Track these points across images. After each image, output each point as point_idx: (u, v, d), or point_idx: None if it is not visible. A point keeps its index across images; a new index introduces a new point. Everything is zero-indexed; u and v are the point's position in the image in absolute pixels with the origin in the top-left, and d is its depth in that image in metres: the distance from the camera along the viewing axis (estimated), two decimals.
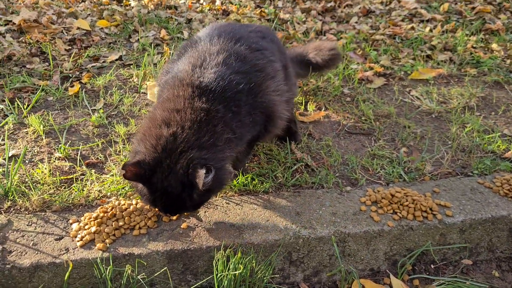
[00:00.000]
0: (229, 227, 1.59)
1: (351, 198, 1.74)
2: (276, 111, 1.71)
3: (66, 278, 1.39)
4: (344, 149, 2.04)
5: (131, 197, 1.68)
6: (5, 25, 2.86)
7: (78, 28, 2.88)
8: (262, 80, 1.66)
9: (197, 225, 1.59)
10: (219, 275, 1.44)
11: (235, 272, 1.44)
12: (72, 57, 2.59)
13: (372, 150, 2.02)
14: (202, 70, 1.57)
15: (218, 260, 1.46)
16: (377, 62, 2.83)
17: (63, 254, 1.44)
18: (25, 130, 1.99)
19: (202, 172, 1.34)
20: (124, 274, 1.42)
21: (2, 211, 1.58)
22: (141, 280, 1.46)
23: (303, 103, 2.39)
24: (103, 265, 1.42)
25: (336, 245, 1.56)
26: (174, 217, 1.60)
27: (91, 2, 3.31)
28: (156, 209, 1.55)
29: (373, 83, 2.59)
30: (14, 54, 2.54)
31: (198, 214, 1.63)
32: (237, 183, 1.78)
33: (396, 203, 1.69)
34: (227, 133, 1.50)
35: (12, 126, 2.01)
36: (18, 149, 1.87)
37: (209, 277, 1.51)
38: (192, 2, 3.53)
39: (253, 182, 1.79)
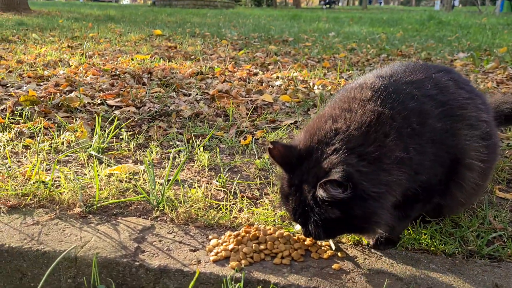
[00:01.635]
0: (395, 282, 1.20)
1: None
2: (466, 157, 1.34)
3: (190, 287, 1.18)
4: None
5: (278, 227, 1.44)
6: (202, 94, 3.18)
7: (262, 100, 3.02)
8: (459, 119, 1.34)
9: (352, 270, 1.25)
10: None
11: None
12: (249, 117, 2.67)
13: None
14: (390, 80, 1.35)
15: None
16: None
17: (194, 264, 1.25)
18: (192, 164, 2.00)
19: (336, 176, 1.07)
20: None
21: (150, 218, 1.51)
22: None
23: (504, 180, 1.90)
24: (233, 284, 1.17)
25: None
26: (300, 232, 1.29)
27: (282, 82, 3.51)
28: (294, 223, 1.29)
29: None
30: (202, 113, 2.74)
31: (355, 260, 1.29)
32: (407, 234, 1.40)
33: None
34: (399, 151, 1.20)
35: (182, 159, 2.05)
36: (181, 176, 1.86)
37: None
38: None
39: (432, 240, 1.39)
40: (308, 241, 1.35)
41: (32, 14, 10.88)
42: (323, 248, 1.33)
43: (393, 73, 1.40)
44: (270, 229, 1.38)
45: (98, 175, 1.74)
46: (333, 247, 1.34)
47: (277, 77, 3.90)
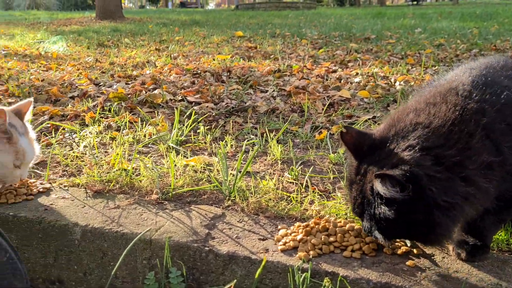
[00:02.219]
0: (476, 283, 1.10)
1: None
2: None
3: (257, 275, 1.18)
4: None
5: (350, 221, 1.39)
6: (279, 91, 3.19)
7: (340, 96, 2.95)
8: None
9: (428, 268, 1.17)
10: None
11: None
12: (325, 112, 2.62)
13: None
14: (482, 72, 1.22)
15: None
16: None
17: (261, 253, 1.25)
18: (265, 157, 2.01)
19: (397, 173, 1.00)
20: None
21: (221, 207, 1.54)
22: None
23: None
24: (299, 273, 1.15)
25: None
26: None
27: (361, 79, 3.41)
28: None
29: None
30: (277, 108, 2.74)
31: (433, 258, 1.21)
32: (498, 236, 1.28)
33: None
34: (487, 153, 1.07)
35: (256, 153, 2.07)
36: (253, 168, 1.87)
37: None
38: None
39: None
40: None
41: (125, 21, 11.68)
42: (397, 243, 1.26)
43: (486, 66, 1.27)
44: (340, 222, 1.33)
45: (175, 165, 1.81)
46: (408, 243, 1.26)
47: (357, 74, 3.80)
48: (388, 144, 1.12)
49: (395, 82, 3.39)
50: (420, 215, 1.04)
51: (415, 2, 31.22)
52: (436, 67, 4.01)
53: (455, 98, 1.14)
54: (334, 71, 3.99)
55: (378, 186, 1.04)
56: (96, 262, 1.41)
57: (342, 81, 3.52)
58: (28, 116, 1.69)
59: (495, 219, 1.19)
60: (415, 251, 1.24)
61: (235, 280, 1.22)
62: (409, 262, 1.18)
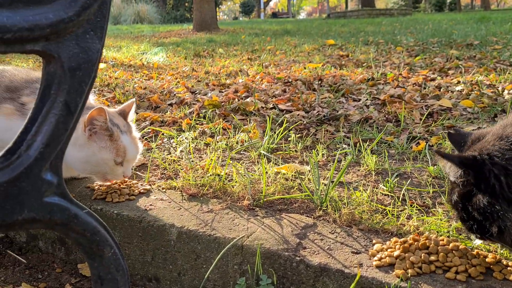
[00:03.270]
0: None
1: None
2: None
3: None
4: None
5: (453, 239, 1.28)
6: (372, 100, 3.08)
7: (440, 105, 2.77)
8: None
9: None
10: None
11: None
12: (423, 122, 2.47)
13: None
14: None
15: None
16: None
17: (355, 267, 1.20)
18: (359, 168, 1.94)
19: (452, 155, 0.97)
20: None
21: (312, 217, 1.51)
22: None
23: None
24: None
25: None
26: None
27: (464, 87, 3.18)
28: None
29: None
30: (371, 117, 2.65)
31: None
32: None
33: None
34: None
35: (349, 163, 2.01)
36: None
37: None
38: None
39: None
40: (490, 258, 1.17)
41: (220, 32, 12.16)
42: (509, 268, 1.14)
43: None
44: (442, 240, 1.23)
45: (266, 172, 1.81)
46: None
47: (458, 82, 3.55)
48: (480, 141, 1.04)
49: (503, 91, 3.11)
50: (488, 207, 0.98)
51: None
52: None
53: None
54: (433, 80, 3.77)
55: (444, 166, 0.98)
56: (190, 263, 1.45)
57: (441, 90, 3.31)
58: (132, 116, 1.79)
59: None
60: None
61: None
62: None
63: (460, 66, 4.33)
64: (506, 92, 3.08)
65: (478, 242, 1.21)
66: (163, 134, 2.47)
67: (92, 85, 0.57)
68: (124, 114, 1.75)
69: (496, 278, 1.11)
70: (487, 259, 1.17)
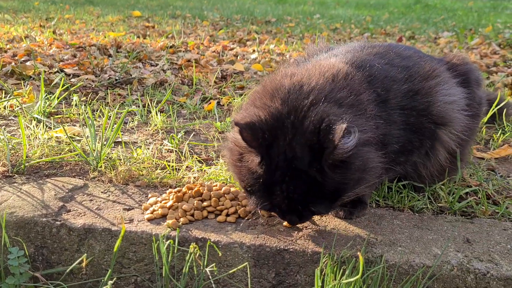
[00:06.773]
0: (353, 237, 1.05)
1: None
2: (451, 119, 1.18)
3: (116, 248, 1.01)
4: None
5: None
6: (170, 65, 3.00)
7: (233, 69, 2.85)
8: (428, 76, 1.19)
9: (306, 227, 1.10)
10: None
11: None
12: (217, 85, 2.50)
13: None
14: (347, 50, 1.27)
15: (327, 275, 0.92)
16: None
17: (124, 223, 1.09)
18: (147, 128, 1.83)
19: (341, 127, 0.88)
20: (188, 257, 0.98)
21: (85, 179, 1.34)
22: (210, 276, 1.00)
23: (481, 139, 1.76)
24: (164, 242, 1.01)
25: None
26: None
27: (258, 55, 3.34)
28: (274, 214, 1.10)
29: None
30: (166, 81, 2.56)
31: (313, 218, 1.14)
32: (374, 193, 1.25)
33: None
34: (368, 95, 1.08)
35: (136, 123, 1.88)
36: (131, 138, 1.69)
37: None
38: None
39: (399, 196, 1.24)
40: None
41: None
42: None
43: (353, 49, 1.30)
44: (216, 185, 1.21)
45: (36, 137, 1.56)
46: None
47: (254, 51, 3.73)
48: (284, 119, 0.98)
49: (290, 59, 3.37)
50: (358, 157, 0.97)
51: None
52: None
53: (329, 60, 1.15)
54: (232, 49, 3.88)
55: (336, 139, 0.90)
56: None
57: (238, 57, 3.42)
58: None
59: None
60: None
61: (85, 254, 1.04)
62: (286, 223, 1.10)
63: (258, 38, 4.58)
64: (292, 59, 3.34)
65: None
66: None
67: None
68: None
69: (263, 215, 1.13)
70: None
